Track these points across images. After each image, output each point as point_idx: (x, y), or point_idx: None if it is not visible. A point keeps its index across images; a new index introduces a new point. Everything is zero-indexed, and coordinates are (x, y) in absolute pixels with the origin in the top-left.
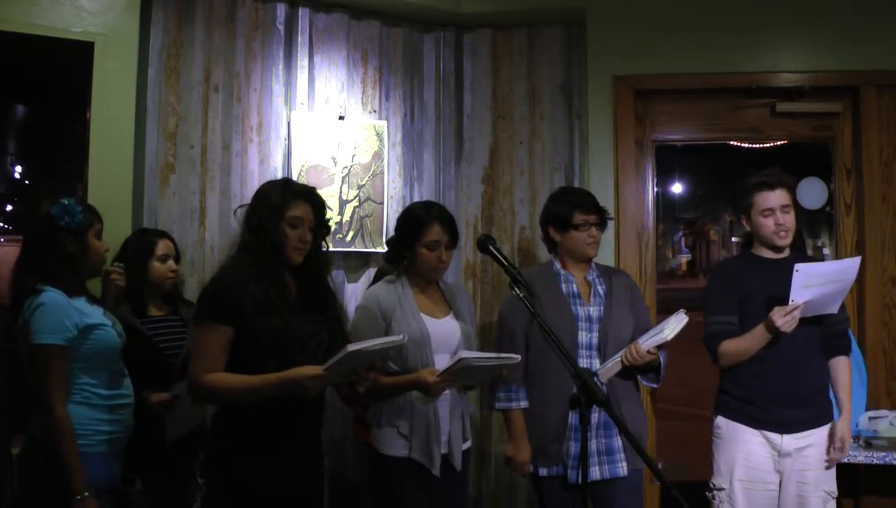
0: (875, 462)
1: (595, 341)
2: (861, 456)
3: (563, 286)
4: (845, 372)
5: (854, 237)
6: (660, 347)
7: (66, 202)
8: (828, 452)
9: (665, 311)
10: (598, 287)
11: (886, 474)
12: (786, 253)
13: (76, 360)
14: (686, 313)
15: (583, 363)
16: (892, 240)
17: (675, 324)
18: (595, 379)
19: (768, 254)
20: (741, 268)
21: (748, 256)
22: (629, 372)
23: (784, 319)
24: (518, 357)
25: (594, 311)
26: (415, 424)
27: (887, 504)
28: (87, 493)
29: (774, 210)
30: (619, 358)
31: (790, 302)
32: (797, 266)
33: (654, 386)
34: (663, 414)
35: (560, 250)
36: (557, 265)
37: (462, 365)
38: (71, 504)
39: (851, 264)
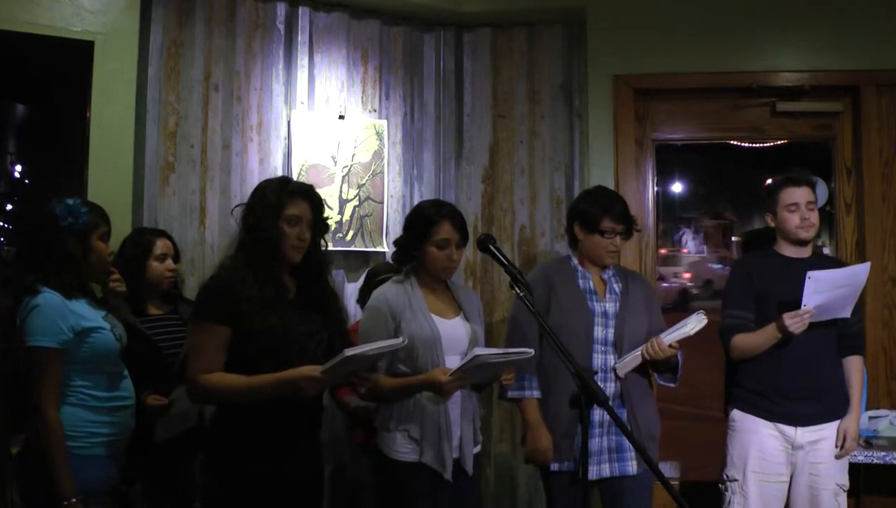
0: (875, 461)
1: (611, 337)
2: (861, 456)
3: (581, 282)
4: (858, 371)
5: (854, 236)
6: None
7: (71, 202)
8: (838, 447)
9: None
10: (614, 285)
11: (886, 473)
12: (808, 252)
13: (72, 362)
14: (705, 314)
15: (598, 358)
16: (893, 239)
17: (695, 323)
18: (598, 375)
19: (791, 252)
20: (762, 265)
21: (770, 253)
22: (644, 370)
23: (793, 320)
24: (531, 351)
25: (610, 307)
26: (425, 428)
27: (887, 503)
28: (74, 500)
29: (800, 205)
30: (638, 352)
31: (802, 306)
32: (809, 273)
33: (672, 385)
34: (663, 414)
35: (580, 248)
36: (575, 261)
37: (477, 362)
38: None
39: (861, 270)
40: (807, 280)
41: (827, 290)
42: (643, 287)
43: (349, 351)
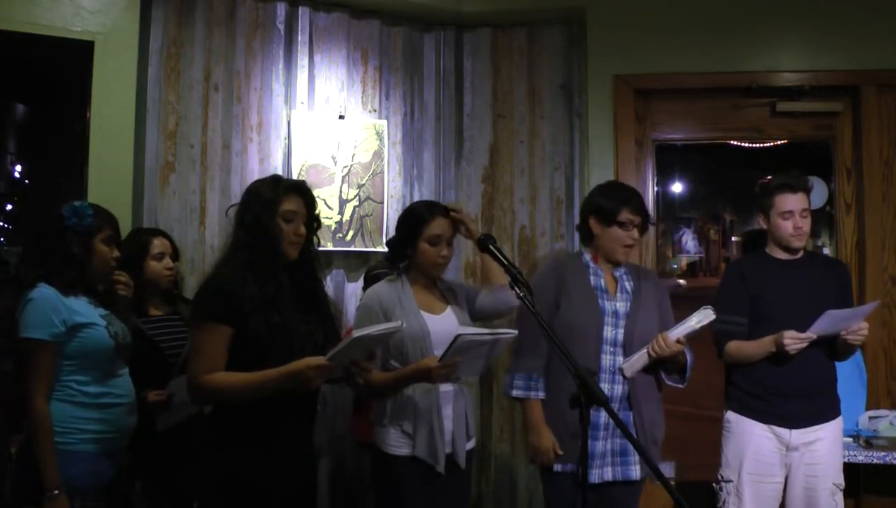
0: (875, 461)
1: (620, 337)
2: (861, 456)
3: (592, 279)
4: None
5: (854, 236)
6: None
7: (78, 204)
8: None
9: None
10: (626, 283)
11: (886, 474)
12: (799, 254)
13: (63, 357)
14: (712, 309)
15: (606, 359)
16: (893, 239)
17: (699, 317)
18: (606, 376)
19: (782, 254)
20: (754, 268)
21: (762, 256)
22: (653, 369)
23: (793, 341)
24: (515, 332)
25: (621, 307)
26: (418, 423)
27: (887, 503)
28: (57, 491)
29: (794, 213)
30: (645, 351)
31: (807, 332)
32: (829, 311)
33: (680, 386)
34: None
35: (595, 244)
36: (587, 257)
37: (461, 341)
38: (42, 500)
39: (870, 307)
40: (824, 315)
41: (837, 322)
42: (655, 286)
43: (356, 332)
